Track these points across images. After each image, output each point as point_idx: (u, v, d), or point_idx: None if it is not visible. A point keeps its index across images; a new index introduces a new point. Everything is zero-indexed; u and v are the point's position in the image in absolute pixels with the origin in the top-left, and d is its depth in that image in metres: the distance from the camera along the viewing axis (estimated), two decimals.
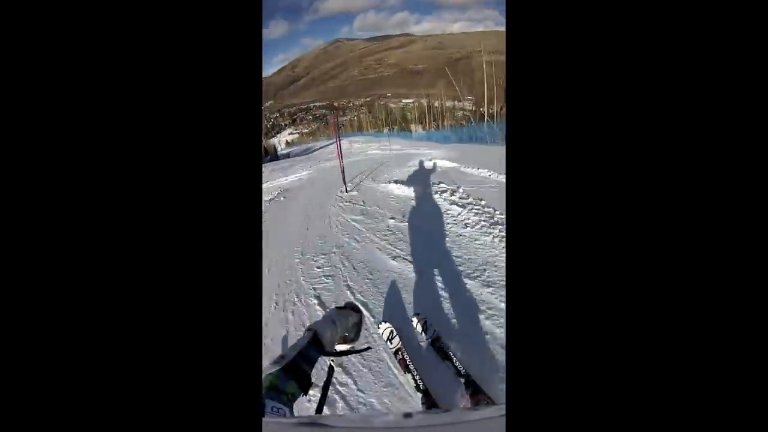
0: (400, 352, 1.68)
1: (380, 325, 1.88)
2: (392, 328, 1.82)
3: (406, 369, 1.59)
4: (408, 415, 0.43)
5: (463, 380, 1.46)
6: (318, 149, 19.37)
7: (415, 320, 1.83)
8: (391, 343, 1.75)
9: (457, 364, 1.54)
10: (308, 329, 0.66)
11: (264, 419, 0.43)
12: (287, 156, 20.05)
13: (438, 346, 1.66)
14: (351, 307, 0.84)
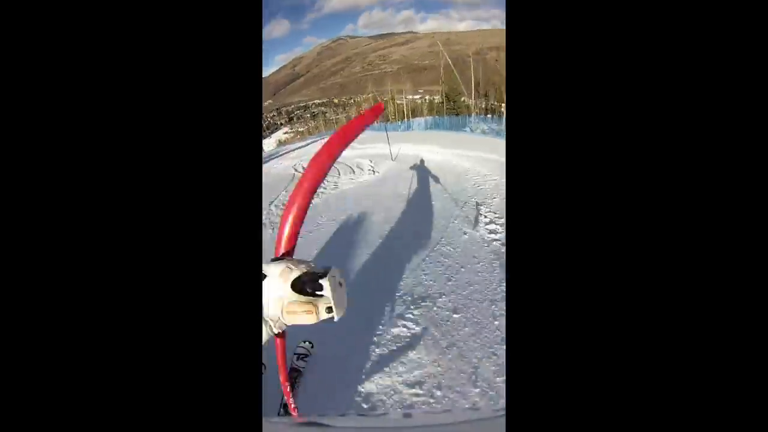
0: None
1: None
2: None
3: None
4: (408, 415, 0.42)
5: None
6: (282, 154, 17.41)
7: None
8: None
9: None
10: None
11: (264, 419, 0.43)
12: None
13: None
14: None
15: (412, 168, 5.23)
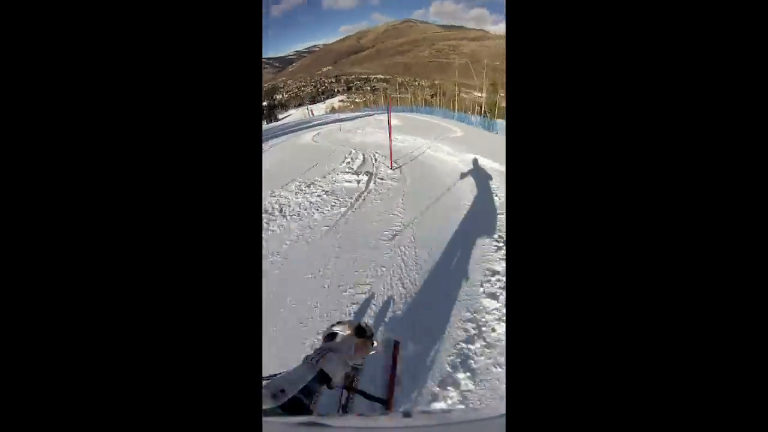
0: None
1: None
2: None
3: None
4: (408, 415, 0.44)
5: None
6: (331, 122, 16.01)
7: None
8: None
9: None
10: (312, 361, 0.62)
11: (264, 419, 0.42)
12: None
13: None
14: (358, 331, 0.78)
15: None
